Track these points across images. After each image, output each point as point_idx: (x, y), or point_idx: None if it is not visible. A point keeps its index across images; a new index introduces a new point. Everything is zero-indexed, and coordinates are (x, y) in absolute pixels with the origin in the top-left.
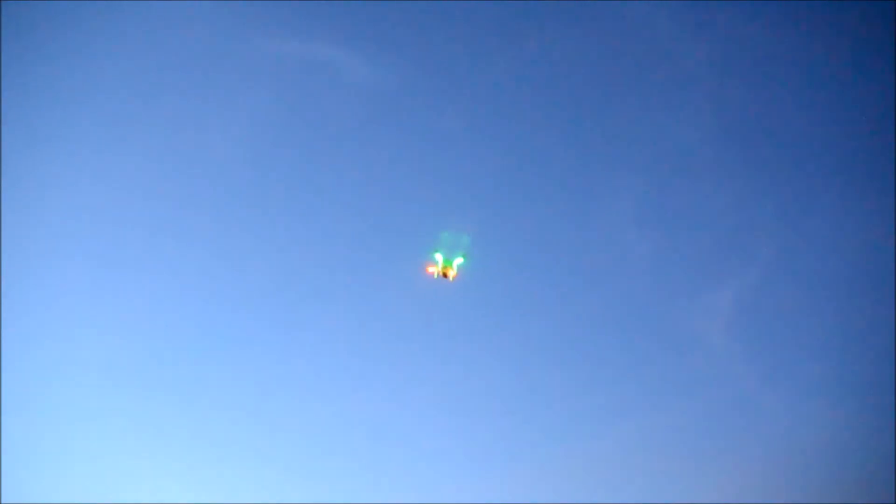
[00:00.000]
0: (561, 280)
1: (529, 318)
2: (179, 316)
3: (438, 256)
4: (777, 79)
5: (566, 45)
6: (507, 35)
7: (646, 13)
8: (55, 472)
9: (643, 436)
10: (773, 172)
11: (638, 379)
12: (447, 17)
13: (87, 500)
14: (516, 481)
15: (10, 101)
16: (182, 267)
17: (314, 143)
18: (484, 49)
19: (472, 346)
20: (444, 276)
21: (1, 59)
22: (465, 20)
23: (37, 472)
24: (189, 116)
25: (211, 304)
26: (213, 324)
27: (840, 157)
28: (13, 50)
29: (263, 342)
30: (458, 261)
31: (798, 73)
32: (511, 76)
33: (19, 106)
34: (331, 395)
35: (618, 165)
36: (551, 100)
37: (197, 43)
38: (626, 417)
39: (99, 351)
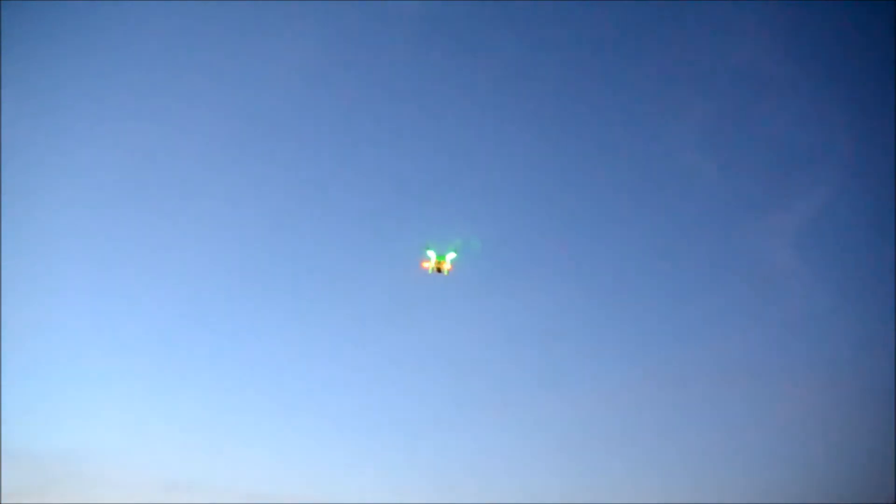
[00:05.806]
0: (624, 203)
1: (593, 241)
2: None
3: (431, 253)
4: None
5: None
6: None
7: None
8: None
9: (710, 358)
10: (843, 89)
11: (705, 301)
12: None
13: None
14: (595, 398)
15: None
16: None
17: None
18: None
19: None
20: (439, 270)
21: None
22: None
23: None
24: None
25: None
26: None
27: None
28: None
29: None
30: (451, 255)
31: None
32: None
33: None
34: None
35: (681, 85)
36: (615, 22)
37: None
38: (692, 340)
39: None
